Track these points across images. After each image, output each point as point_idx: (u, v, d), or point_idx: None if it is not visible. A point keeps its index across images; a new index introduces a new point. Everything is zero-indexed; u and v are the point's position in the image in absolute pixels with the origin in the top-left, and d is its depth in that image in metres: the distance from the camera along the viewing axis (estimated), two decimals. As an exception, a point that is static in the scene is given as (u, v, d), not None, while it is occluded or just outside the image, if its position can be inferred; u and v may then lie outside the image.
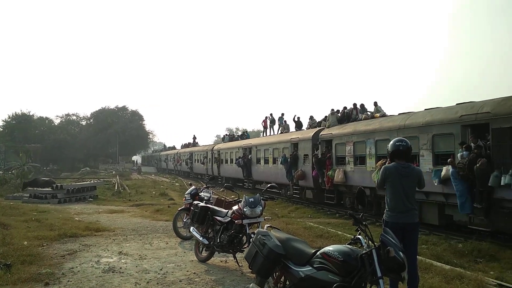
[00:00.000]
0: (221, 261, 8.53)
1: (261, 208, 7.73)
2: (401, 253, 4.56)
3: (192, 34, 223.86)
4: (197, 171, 47.69)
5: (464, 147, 12.02)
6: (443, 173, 12.66)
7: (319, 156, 20.62)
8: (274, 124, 31.45)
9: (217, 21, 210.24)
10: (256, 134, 66.37)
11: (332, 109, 21.42)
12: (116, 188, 31.90)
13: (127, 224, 13.78)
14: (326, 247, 4.88)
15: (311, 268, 4.80)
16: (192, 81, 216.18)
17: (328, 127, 21.02)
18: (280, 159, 24.86)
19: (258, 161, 29.16)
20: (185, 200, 10.80)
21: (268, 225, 6.14)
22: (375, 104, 19.33)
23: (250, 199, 7.68)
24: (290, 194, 24.38)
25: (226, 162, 36.95)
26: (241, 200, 7.84)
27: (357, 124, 18.42)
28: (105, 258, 8.76)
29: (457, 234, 13.03)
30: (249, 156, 30.64)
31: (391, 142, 5.94)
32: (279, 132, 29.85)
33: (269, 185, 9.13)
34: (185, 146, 62.60)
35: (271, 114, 31.64)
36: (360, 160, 17.84)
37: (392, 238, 4.69)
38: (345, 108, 21.23)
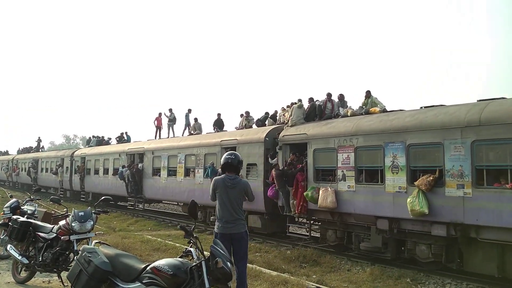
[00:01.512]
0: (44, 282, 8.14)
1: (92, 222, 7.49)
2: (229, 263, 4.79)
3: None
4: (46, 183, 36.27)
5: None
6: None
7: (282, 166, 13.97)
8: (174, 123, 23.71)
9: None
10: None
11: (299, 100, 14.98)
12: None
13: None
14: (156, 261, 4.90)
15: (140, 284, 4.77)
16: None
17: (292, 125, 14.50)
18: (203, 170, 17.51)
19: (156, 172, 21.12)
20: (4, 214, 9.37)
21: (97, 241, 6.10)
22: (368, 94, 13.48)
23: (80, 213, 7.43)
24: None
25: (96, 173, 27.60)
26: (70, 215, 7.50)
27: (361, 120, 12.27)
28: None
29: (286, 242, 14.07)
30: (140, 165, 22.36)
31: (224, 155, 6.42)
32: (188, 133, 22.31)
33: (103, 197, 8.22)
34: (24, 151, 49.58)
35: (170, 110, 23.80)
36: (368, 174, 11.75)
37: (221, 249, 4.85)
38: (311, 99, 14.96)
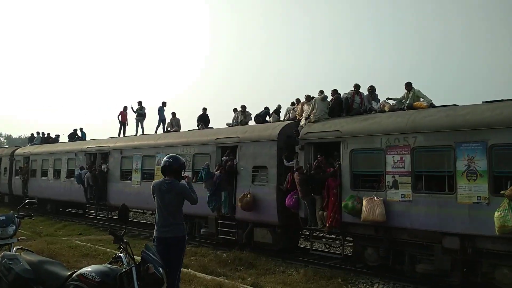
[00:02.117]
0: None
1: (14, 227, 7.22)
2: (160, 268, 4.70)
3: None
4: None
5: None
6: None
7: (306, 170, 11.52)
8: (144, 118, 20.44)
9: None
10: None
11: (321, 92, 12.56)
12: None
13: None
14: (83, 268, 4.72)
15: None
16: None
17: (315, 121, 12.07)
18: (191, 173, 14.65)
19: (126, 175, 17.85)
20: None
21: (19, 247, 5.91)
22: (409, 87, 11.32)
23: (1, 217, 7.16)
24: (214, 237, 14.24)
25: (44, 175, 23.59)
26: None
27: (418, 115, 10.08)
28: None
29: (223, 245, 13.56)
30: (104, 167, 18.95)
31: (164, 158, 6.08)
32: (163, 130, 19.18)
33: (27, 200, 8.00)
34: None
35: (139, 103, 20.45)
36: (430, 181, 9.61)
37: (153, 254, 4.79)
38: (335, 91, 12.61)
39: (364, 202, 10.13)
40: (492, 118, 8.78)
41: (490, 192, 8.55)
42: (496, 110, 8.92)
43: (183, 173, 6.20)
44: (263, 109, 15.64)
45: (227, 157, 13.90)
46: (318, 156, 11.42)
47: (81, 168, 19.85)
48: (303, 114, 12.90)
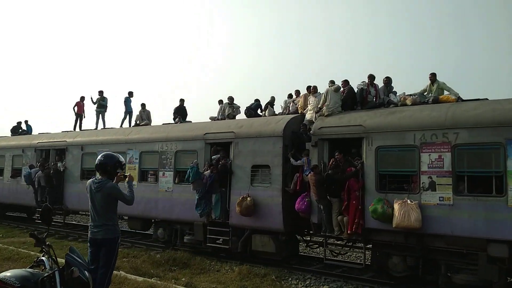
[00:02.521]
0: None
1: None
2: (86, 272, 4.65)
3: None
4: None
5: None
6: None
7: (322, 169, 10.19)
8: (105, 110, 18.11)
9: None
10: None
11: (332, 82, 11.26)
12: None
13: None
14: (2, 273, 4.50)
15: None
16: None
17: (328, 114, 10.78)
18: (173, 173, 12.90)
19: (87, 174, 15.51)
20: None
21: None
22: (434, 78, 10.36)
23: None
24: (201, 245, 12.53)
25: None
26: None
27: (458, 108, 9.06)
28: None
29: (156, 246, 13.58)
30: (60, 165, 16.51)
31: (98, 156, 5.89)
32: (130, 123, 17.06)
33: None
34: None
35: (100, 93, 18.05)
36: (474, 182, 8.62)
37: (78, 257, 4.73)
38: (347, 82, 11.39)
39: (396, 206, 8.96)
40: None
41: None
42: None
43: (125, 172, 5.94)
44: (253, 102, 14.12)
45: (218, 155, 12.28)
46: (336, 154, 10.12)
47: (31, 167, 17.25)
48: (309, 107, 11.59)
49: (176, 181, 13.05)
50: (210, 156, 12.44)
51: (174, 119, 15.39)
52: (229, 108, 14.01)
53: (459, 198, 8.56)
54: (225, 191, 11.98)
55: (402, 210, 8.84)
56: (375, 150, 9.59)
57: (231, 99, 14.27)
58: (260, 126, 11.74)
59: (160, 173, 13.43)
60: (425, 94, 10.42)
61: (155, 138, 13.85)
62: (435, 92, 10.30)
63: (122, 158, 5.90)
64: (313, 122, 11.07)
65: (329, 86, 11.15)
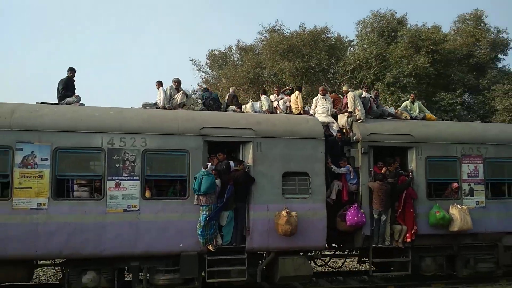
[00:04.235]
0: None
1: None
2: None
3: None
4: None
5: None
6: None
7: (376, 178, 9.67)
8: None
9: None
10: None
11: (349, 85, 10.59)
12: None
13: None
14: None
15: None
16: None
17: (362, 120, 10.23)
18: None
19: None
20: None
21: None
22: (415, 98, 11.59)
23: None
24: (193, 283, 8.74)
25: None
26: None
27: (485, 127, 10.81)
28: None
29: None
30: None
31: None
32: None
33: None
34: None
35: None
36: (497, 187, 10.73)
37: None
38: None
39: (454, 211, 9.89)
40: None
41: None
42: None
43: None
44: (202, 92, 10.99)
45: (222, 159, 9.22)
46: (395, 161, 9.90)
47: None
48: (319, 109, 10.57)
49: (146, 195, 8.63)
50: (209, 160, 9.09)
51: (60, 96, 9.76)
52: (182, 96, 10.36)
53: (489, 201, 10.45)
54: (244, 206, 9.08)
55: (462, 215, 9.87)
56: (425, 159, 10.11)
57: (178, 82, 10.58)
58: (293, 124, 9.64)
59: (110, 184, 8.46)
60: (411, 111, 11.64)
61: (97, 126, 8.58)
62: (415, 111, 11.69)
63: None
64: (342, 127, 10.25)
65: (348, 89, 10.59)
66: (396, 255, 10.20)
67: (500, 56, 30.64)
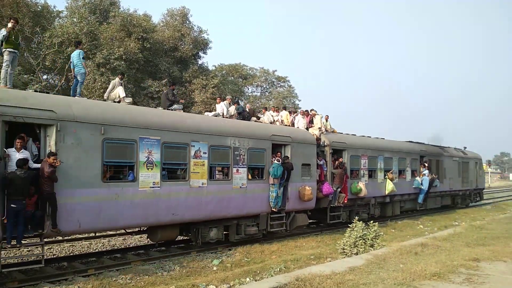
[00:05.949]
0: None
1: None
2: None
3: None
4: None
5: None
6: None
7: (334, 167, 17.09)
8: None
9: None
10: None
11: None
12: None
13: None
14: None
15: None
16: None
17: (323, 132, 17.29)
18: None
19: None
20: None
21: None
22: (327, 117, 19.35)
23: None
24: (262, 232, 14.06)
25: None
26: None
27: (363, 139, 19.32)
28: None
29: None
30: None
31: None
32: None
33: None
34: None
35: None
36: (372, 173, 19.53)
37: None
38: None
39: (361, 185, 18.29)
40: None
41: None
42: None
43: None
44: (237, 104, 15.71)
45: (282, 154, 14.76)
46: (339, 158, 17.44)
47: None
48: (315, 126, 17.00)
49: (249, 178, 13.50)
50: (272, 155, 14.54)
51: (169, 102, 13.13)
52: (235, 110, 14.99)
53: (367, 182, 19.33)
54: (287, 184, 14.85)
55: (364, 187, 18.39)
56: (349, 157, 18.06)
57: (234, 99, 15.11)
58: (302, 135, 15.84)
59: (234, 170, 13.01)
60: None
61: (228, 132, 12.89)
62: (328, 126, 19.50)
63: None
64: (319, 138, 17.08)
65: (317, 113, 17.49)
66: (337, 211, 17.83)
67: (201, 53, 33.96)
